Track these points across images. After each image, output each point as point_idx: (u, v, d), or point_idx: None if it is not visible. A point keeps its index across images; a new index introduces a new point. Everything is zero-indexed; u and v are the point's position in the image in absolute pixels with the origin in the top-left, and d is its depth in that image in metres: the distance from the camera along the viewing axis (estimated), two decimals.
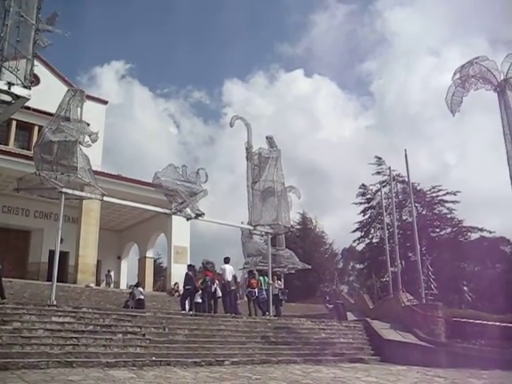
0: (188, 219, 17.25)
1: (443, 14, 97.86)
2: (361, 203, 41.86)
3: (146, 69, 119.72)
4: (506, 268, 40.41)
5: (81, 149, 14.66)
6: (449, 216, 40.01)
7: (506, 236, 42.47)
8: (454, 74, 16.14)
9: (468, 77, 15.82)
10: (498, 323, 17.12)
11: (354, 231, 42.13)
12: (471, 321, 16.93)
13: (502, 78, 15.40)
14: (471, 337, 16.44)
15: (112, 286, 30.39)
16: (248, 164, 18.97)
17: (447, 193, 39.29)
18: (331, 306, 23.11)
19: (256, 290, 17.75)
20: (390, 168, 26.56)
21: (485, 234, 39.52)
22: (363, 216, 41.77)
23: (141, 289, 19.23)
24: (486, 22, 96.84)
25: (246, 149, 19.23)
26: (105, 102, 34.15)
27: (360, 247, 44.39)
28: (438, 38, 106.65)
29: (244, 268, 20.50)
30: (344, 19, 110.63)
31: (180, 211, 16.58)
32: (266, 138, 19.73)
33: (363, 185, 41.80)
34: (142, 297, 18.26)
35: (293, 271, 22.55)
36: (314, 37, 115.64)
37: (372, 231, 41.59)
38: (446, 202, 39.62)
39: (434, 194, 40.15)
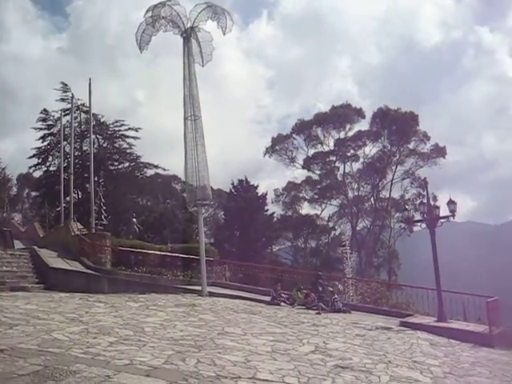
0: None
1: None
2: (41, 129, 39.70)
3: None
4: (175, 204, 44.41)
5: None
6: (128, 151, 41.28)
7: (178, 174, 46.22)
8: (147, 11, 16.52)
9: (159, 17, 16.38)
10: (158, 252, 18.87)
11: (32, 157, 40.00)
12: (135, 250, 18.18)
13: (189, 25, 16.48)
14: (135, 265, 17.71)
15: None
16: None
17: (129, 128, 40.30)
18: None
19: None
20: (73, 96, 25.82)
21: (160, 171, 42.45)
22: (42, 142, 39.83)
23: None
24: None
25: None
26: None
27: (37, 174, 42.62)
28: None
29: None
30: None
31: None
32: None
33: (45, 110, 39.64)
34: None
35: None
36: None
37: (50, 159, 40.11)
38: (128, 137, 40.65)
39: (116, 128, 40.69)
